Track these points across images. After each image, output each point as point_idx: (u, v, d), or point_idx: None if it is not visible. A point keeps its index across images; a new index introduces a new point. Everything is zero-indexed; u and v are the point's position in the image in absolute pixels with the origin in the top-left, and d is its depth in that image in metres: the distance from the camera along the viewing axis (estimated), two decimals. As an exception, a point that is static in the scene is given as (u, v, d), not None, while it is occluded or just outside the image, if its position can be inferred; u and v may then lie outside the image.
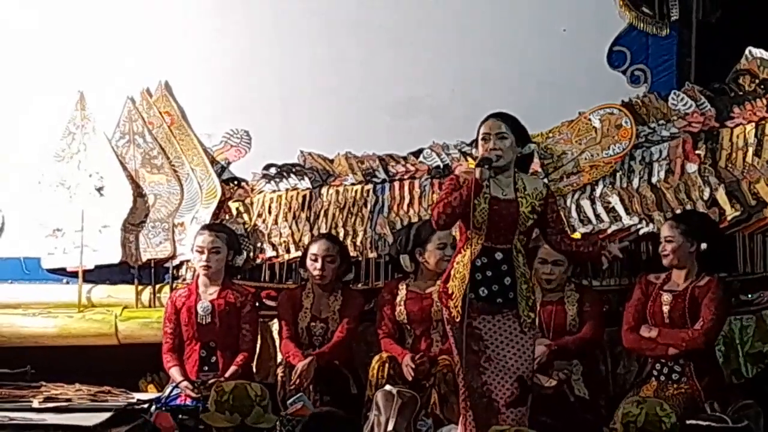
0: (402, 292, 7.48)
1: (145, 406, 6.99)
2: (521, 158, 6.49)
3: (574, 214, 7.82)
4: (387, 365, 7.23)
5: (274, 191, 8.23)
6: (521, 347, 6.37)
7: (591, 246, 6.62)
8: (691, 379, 7.04)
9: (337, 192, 8.16)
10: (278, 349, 7.71)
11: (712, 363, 7.19)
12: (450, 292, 6.39)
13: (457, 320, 6.32)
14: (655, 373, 7.13)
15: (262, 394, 6.43)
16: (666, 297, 7.19)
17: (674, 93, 7.94)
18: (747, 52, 8.02)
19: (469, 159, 7.94)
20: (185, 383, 7.36)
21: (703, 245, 7.16)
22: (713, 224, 7.46)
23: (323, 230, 8.01)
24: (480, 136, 6.43)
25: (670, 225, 7.24)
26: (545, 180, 6.71)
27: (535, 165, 7.84)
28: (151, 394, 7.49)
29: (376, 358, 7.30)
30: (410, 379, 7.16)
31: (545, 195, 6.44)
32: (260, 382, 7.02)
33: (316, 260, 7.59)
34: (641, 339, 7.17)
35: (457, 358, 6.38)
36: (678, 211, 7.61)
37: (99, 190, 8.19)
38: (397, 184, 8.13)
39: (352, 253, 7.87)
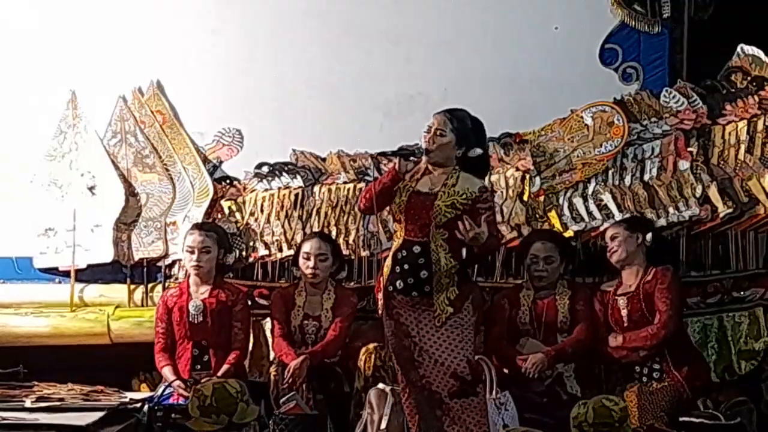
0: None
1: (138, 405, 6.99)
2: (468, 160, 6.53)
3: (566, 211, 7.82)
4: (374, 356, 7.24)
5: (266, 190, 8.21)
6: (450, 341, 6.44)
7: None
8: (671, 374, 7.04)
9: (330, 190, 8.15)
10: (271, 348, 7.70)
11: (687, 351, 7.21)
12: (380, 285, 6.64)
13: (380, 313, 6.59)
14: (636, 375, 7.13)
15: (241, 389, 6.36)
16: (621, 301, 7.22)
17: (666, 90, 7.94)
18: (739, 49, 8.01)
19: None
20: (178, 382, 7.33)
21: (649, 236, 7.25)
22: (652, 222, 7.53)
23: (315, 229, 8.00)
24: (425, 127, 6.54)
25: (614, 225, 7.40)
26: (486, 185, 6.65)
27: (527, 162, 7.88)
28: (144, 393, 7.48)
29: (363, 349, 7.30)
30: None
31: (474, 197, 6.45)
32: (253, 380, 7.01)
33: (308, 259, 7.58)
34: (613, 350, 7.18)
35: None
36: (671, 210, 7.63)
37: (91, 189, 8.18)
38: (389, 183, 8.13)
39: (344, 252, 7.86)
